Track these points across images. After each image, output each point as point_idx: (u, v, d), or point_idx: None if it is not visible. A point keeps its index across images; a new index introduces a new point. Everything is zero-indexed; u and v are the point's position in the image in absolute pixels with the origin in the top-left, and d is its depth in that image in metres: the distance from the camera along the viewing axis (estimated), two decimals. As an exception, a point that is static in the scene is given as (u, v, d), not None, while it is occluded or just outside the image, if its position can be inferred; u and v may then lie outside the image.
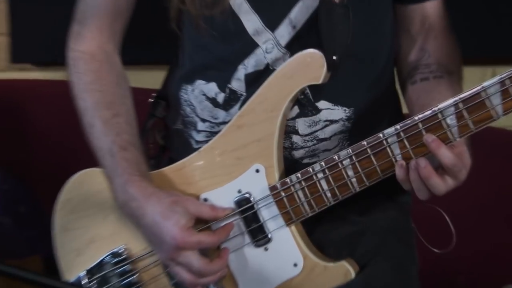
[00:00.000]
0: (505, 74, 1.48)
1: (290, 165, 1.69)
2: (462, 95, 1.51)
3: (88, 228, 1.76)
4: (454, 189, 1.58)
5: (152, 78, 1.99)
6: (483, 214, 2.41)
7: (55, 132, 2.65)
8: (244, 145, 1.66)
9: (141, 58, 2.55)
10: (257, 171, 1.66)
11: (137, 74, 2.06)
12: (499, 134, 2.39)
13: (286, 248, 1.65)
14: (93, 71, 1.76)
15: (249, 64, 1.70)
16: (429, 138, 1.53)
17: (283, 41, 1.68)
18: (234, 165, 1.67)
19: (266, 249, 1.67)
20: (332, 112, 1.70)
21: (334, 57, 1.62)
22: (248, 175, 1.66)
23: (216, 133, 1.71)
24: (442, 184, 1.53)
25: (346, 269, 1.63)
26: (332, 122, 1.70)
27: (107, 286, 1.74)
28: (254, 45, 1.69)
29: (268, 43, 1.68)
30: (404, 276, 1.69)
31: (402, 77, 1.81)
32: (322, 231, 1.74)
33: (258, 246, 1.67)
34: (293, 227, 1.66)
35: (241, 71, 1.71)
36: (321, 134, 1.71)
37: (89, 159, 1.74)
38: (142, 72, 2.50)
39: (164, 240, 1.61)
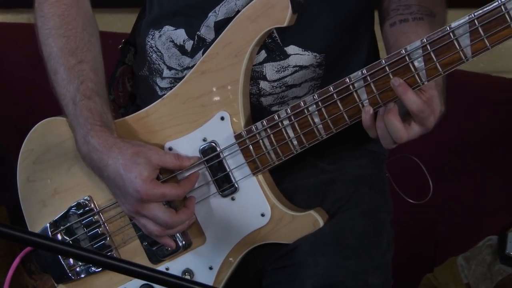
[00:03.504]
0: (474, 14, 1.41)
1: (258, 112, 1.64)
2: (429, 37, 1.45)
3: (52, 179, 1.72)
4: (426, 136, 1.53)
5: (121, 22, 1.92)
6: (458, 162, 2.37)
7: (18, 77, 2.58)
8: (208, 92, 1.61)
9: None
10: (222, 118, 1.60)
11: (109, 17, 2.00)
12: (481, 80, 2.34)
13: (253, 197, 1.61)
14: (59, 15, 1.69)
15: (220, 11, 1.64)
16: (396, 82, 1.47)
17: None
18: (198, 113, 1.62)
19: (233, 199, 1.62)
20: (302, 58, 1.64)
21: None
22: (213, 123, 1.61)
23: (180, 79, 1.65)
24: (402, 130, 1.48)
25: (315, 218, 1.60)
26: (301, 68, 1.64)
27: (73, 237, 1.70)
28: None
29: None
30: (375, 222, 1.65)
31: (381, 19, 1.73)
32: (292, 180, 1.69)
33: (224, 196, 1.63)
34: (260, 176, 1.61)
35: (211, 18, 1.65)
36: (290, 80, 1.65)
37: (54, 106, 1.68)
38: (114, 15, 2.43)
39: (128, 193, 1.57)
